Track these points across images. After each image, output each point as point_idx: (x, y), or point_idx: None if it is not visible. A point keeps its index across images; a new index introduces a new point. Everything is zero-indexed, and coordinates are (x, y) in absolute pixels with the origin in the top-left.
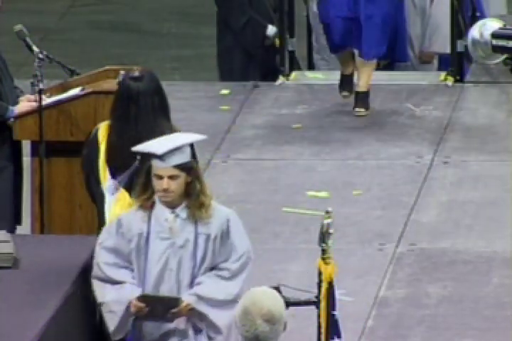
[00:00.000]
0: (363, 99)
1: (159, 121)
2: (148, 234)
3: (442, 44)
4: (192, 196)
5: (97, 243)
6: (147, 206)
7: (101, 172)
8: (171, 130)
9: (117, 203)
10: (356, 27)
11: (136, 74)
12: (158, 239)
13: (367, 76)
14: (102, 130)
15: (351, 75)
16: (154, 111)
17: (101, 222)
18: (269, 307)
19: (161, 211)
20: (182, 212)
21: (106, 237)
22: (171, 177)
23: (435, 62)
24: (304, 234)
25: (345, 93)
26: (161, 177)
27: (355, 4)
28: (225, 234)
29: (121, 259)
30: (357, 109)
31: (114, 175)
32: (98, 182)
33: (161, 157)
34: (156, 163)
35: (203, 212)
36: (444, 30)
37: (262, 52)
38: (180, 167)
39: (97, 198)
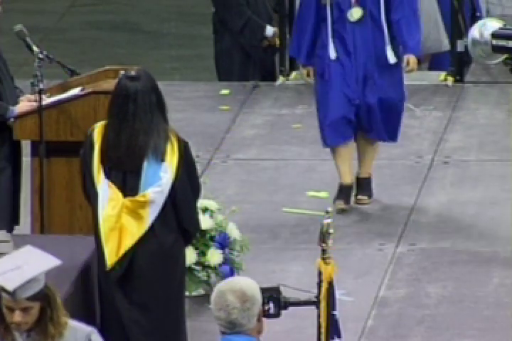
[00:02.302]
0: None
1: (156, 120)
2: None
3: (438, 43)
4: (41, 323)
5: None
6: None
7: (95, 172)
8: (165, 131)
9: (110, 203)
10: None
11: (133, 73)
12: None
13: (371, 159)
14: (98, 130)
15: (351, 186)
16: (152, 109)
17: (94, 221)
18: (242, 285)
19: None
20: (30, 338)
21: None
22: (24, 310)
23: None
24: (304, 234)
25: (341, 204)
26: (12, 310)
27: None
28: None
29: None
30: (359, 196)
31: (108, 175)
32: (93, 183)
33: (11, 292)
34: (5, 295)
35: None
36: (434, 28)
37: (260, 52)
38: (33, 298)
39: (91, 199)
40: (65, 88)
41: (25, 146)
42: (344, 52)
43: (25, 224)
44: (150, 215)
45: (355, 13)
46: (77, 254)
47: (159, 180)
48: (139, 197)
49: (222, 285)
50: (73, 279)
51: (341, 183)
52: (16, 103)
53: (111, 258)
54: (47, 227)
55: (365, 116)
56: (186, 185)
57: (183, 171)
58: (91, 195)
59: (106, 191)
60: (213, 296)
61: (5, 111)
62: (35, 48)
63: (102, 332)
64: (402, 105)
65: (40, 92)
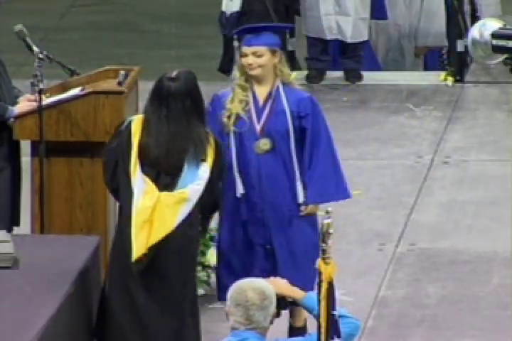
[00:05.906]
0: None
1: (193, 124)
2: None
3: (439, 37)
4: None
5: None
6: None
7: (132, 164)
8: (205, 134)
9: (146, 195)
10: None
11: (173, 74)
12: None
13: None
14: (136, 123)
15: (305, 327)
16: (186, 113)
17: (123, 213)
18: (261, 284)
19: None
20: None
21: None
22: None
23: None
24: None
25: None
26: None
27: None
28: None
29: None
30: None
31: (144, 170)
32: (127, 174)
33: None
34: None
35: None
36: (437, 23)
37: None
38: None
39: (121, 188)
40: (65, 88)
41: (25, 146)
42: (249, 188)
43: (25, 224)
44: (183, 211)
45: (263, 145)
46: (77, 254)
47: (198, 179)
48: (177, 193)
49: (242, 283)
50: (73, 279)
51: (292, 325)
52: (13, 103)
53: (139, 249)
54: (47, 227)
55: (273, 262)
56: (217, 183)
57: (217, 172)
58: (121, 184)
59: (141, 184)
60: (231, 292)
61: (4, 111)
62: (35, 48)
63: (112, 330)
64: (316, 250)
65: (40, 92)
